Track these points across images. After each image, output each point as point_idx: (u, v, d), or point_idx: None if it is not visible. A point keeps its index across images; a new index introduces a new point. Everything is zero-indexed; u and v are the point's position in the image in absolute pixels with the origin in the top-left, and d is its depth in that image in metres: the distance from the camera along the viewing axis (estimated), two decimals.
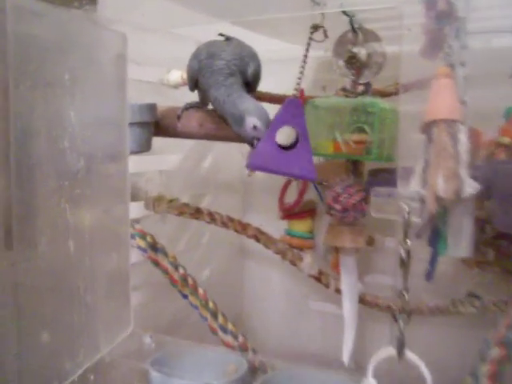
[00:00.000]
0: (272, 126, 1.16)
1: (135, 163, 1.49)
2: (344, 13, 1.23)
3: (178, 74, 1.58)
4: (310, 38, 1.20)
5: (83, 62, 0.99)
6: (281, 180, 1.72)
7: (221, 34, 1.29)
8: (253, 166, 1.17)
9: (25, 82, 0.86)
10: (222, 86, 1.20)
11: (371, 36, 1.35)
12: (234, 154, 1.88)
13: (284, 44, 1.70)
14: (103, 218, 1.08)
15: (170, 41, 1.60)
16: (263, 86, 1.41)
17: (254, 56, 1.27)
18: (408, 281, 0.98)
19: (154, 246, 1.32)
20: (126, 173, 1.11)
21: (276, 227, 1.68)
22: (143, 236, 1.32)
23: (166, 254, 1.32)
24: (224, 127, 1.26)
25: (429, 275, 1.15)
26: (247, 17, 1.27)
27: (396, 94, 1.57)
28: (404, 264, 0.99)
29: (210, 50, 1.25)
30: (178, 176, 1.72)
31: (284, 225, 1.65)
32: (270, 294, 2.04)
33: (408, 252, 0.96)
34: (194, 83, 1.28)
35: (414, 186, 1.06)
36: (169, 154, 1.70)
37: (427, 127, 1.04)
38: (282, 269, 1.84)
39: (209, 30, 1.33)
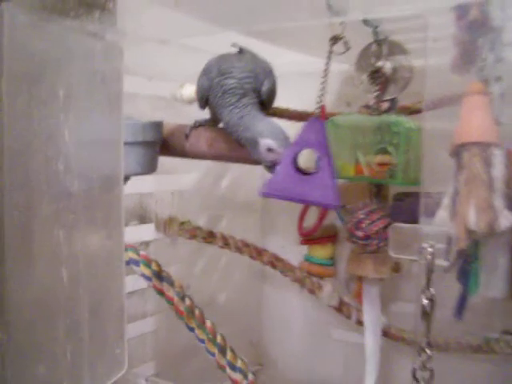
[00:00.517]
0: (291, 148, 1.06)
1: (146, 183, 1.42)
2: (365, 22, 1.12)
3: (192, 89, 1.50)
4: (331, 51, 1.09)
5: (78, 77, 0.92)
6: None
7: (234, 45, 1.20)
8: (266, 194, 1.07)
9: (20, 97, 0.80)
10: (234, 108, 1.12)
11: (397, 48, 1.25)
12: (253, 173, 1.79)
13: (303, 56, 1.60)
14: (97, 245, 1.00)
15: (183, 53, 1.51)
16: (281, 102, 1.32)
17: (269, 72, 1.17)
18: (431, 335, 0.85)
19: (159, 274, 1.22)
20: (120, 196, 1.03)
21: (298, 251, 1.59)
22: (148, 263, 1.22)
23: (171, 284, 1.22)
24: (236, 148, 1.16)
25: (457, 313, 1.03)
26: (262, 26, 1.17)
27: (424, 110, 1.46)
28: (426, 316, 0.86)
29: (221, 66, 1.15)
30: (192, 196, 1.63)
31: (306, 248, 1.55)
32: (289, 321, 1.94)
33: (431, 302, 0.84)
34: (205, 101, 1.18)
35: (440, 217, 0.94)
36: (182, 173, 1.61)
37: (457, 151, 0.93)
38: (302, 294, 1.73)
39: (223, 41, 1.23)
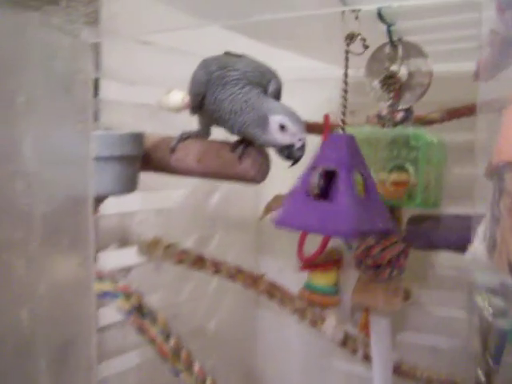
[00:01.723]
0: (308, 169, 0.92)
1: (127, 201, 1.25)
2: (380, 18, 0.96)
3: (180, 96, 1.34)
4: (347, 51, 0.94)
5: (39, 80, 0.76)
6: None
7: (227, 53, 1.04)
8: (279, 223, 0.91)
9: None
10: (237, 95, 0.97)
11: (414, 51, 1.10)
12: (246, 189, 1.63)
13: (308, 61, 1.45)
14: (64, 276, 0.85)
15: (170, 56, 1.36)
16: None
17: (274, 73, 1.03)
18: None
19: (140, 309, 1.06)
20: (89, 219, 0.88)
21: (297, 275, 1.44)
22: (127, 296, 1.06)
23: (154, 320, 1.06)
24: (229, 164, 1.00)
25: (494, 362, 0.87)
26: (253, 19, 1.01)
27: (440, 121, 1.31)
28: None
29: (220, 61, 1.01)
30: (179, 215, 1.47)
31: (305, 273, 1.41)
32: (287, 349, 1.79)
33: (489, 374, 0.67)
34: (200, 101, 1.02)
35: (476, 251, 0.79)
36: (169, 189, 1.44)
37: (497, 171, 0.77)
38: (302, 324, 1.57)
39: (215, 45, 1.07)
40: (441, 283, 1.46)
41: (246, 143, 1.00)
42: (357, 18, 0.89)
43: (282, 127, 0.93)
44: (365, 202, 0.88)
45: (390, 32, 1.05)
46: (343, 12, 0.90)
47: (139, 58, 1.28)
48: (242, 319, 1.76)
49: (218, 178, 1.05)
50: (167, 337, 1.06)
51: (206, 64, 1.02)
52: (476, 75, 1.10)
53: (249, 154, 0.99)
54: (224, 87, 0.98)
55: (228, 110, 0.98)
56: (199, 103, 1.02)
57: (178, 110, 1.37)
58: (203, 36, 1.26)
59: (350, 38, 0.92)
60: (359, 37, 0.91)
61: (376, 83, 1.11)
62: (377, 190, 0.88)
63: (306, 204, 0.87)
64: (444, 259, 1.45)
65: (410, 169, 1.01)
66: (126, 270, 1.29)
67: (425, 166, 1.00)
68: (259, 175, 0.99)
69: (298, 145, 0.93)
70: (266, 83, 1.00)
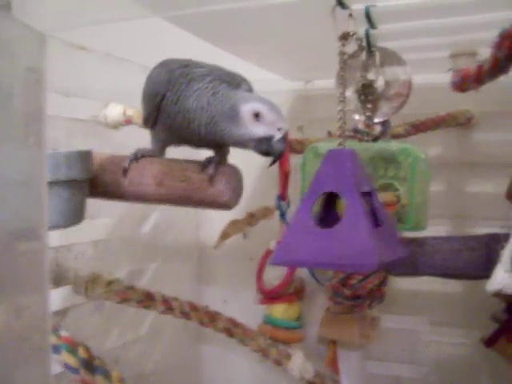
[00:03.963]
0: (308, 194, 0.78)
1: (61, 233, 1.07)
2: (368, 19, 0.85)
3: (120, 110, 1.18)
4: (343, 53, 0.81)
5: None
6: (251, 243, 1.32)
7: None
8: (278, 261, 0.77)
9: None
10: (204, 90, 0.83)
11: (391, 58, 1.00)
12: (186, 210, 1.48)
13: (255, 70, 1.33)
14: (12, 319, 0.68)
15: (108, 64, 1.19)
16: None
17: (244, 77, 0.90)
18: None
19: (89, 363, 0.88)
20: (44, 255, 0.72)
21: (242, 305, 1.42)
22: (73, 349, 0.88)
23: (107, 376, 0.88)
24: (197, 187, 0.85)
25: None
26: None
27: (405, 136, 1.22)
28: None
29: (182, 60, 0.87)
30: (112, 246, 1.28)
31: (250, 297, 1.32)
32: None
33: None
34: (157, 106, 0.86)
35: (501, 278, 0.68)
36: (104, 217, 1.25)
37: None
38: (250, 354, 1.40)
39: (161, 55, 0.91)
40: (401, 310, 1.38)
41: (217, 161, 0.85)
42: (350, 15, 0.78)
43: (257, 115, 0.79)
44: (380, 227, 0.76)
45: (368, 36, 0.94)
46: (334, 8, 0.78)
47: (74, 66, 1.10)
48: (184, 357, 1.59)
49: (181, 204, 0.89)
50: None
51: (165, 63, 0.88)
52: (457, 85, 1.02)
53: (222, 173, 0.84)
54: (189, 84, 0.84)
55: (193, 108, 0.83)
56: (156, 110, 0.87)
57: (114, 126, 1.21)
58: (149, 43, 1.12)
59: (345, 37, 0.80)
60: (354, 36, 0.80)
61: (350, 94, 1.00)
62: (386, 212, 0.77)
63: (314, 235, 0.72)
64: (402, 283, 1.37)
65: (400, 188, 0.91)
66: (62, 314, 1.10)
67: (417, 184, 0.90)
68: (233, 199, 0.85)
69: (277, 136, 0.79)
70: (237, 85, 0.86)
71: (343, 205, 0.80)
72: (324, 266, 0.84)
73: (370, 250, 0.69)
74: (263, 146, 0.79)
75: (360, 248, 0.69)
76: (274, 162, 0.81)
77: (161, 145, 0.92)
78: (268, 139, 0.79)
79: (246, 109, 0.79)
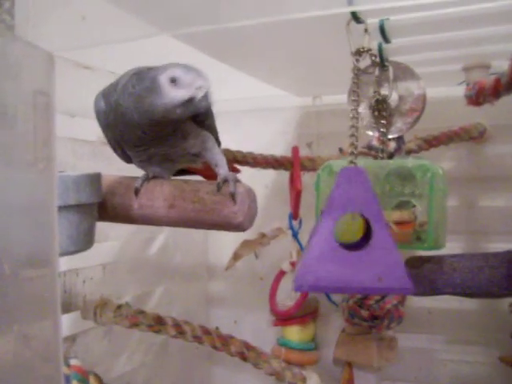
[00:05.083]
0: (328, 213, 0.74)
1: (65, 258, 1.04)
2: (382, 33, 0.82)
3: None
4: (357, 69, 0.79)
5: None
6: (261, 262, 1.30)
7: None
8: (300, 288, 0.74)
9: None
10: (128, 81, 0.83)
11: (404, 72, 0.97)
12: (194, 231, 1.45)
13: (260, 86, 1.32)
14: (23, 346, 0.67)
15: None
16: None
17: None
18: None
19: None
20: (55, 281, 0.69)
21: (253, 325, 1.42)
22: (83, 377, 0.84)
23: None
24: (210, 209, 0.82)
25: None
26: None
27: (418, 151, 1.20)
28: None
29: (109, 86, 0.88)
30: (121, 269, 1.25)
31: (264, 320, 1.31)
32: None
33: None
34: (106, 126, 0.88)
35: None
36: (112, 240, 1.23)
37: None
38: (264, 377, 1.36)
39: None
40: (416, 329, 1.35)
41: (234, 179, 0.83)
42: (366, 30, 0.76)
43: (173, 81, 0.78)
44: None
45: (381, 51, 0.91)
46: (349, 22, 0.76)
47: (79, 86, 1.08)
48: (194, 377, 1.55)
49: (193, 227, 0.86)
50: None
51: (97, 96, 0.88)
52: (472, 99, 0.99)
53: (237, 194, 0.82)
54: (118, 92, 0.83)
55: (129, 103, 0.81)
56: (106, 129, 0.88)
57: None
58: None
59: (359, 53, 0.78)
60: (369, 52, 0.77)
61: (363, 109, 0.98)
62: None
63: (340, 257, 0.69)
64: (417, 301, 1.34)
65: (418, 206, 0.88)
66: (71, 340, 1.07)
67: (435, 201, 0.87)
68: (247, 221, 0.82)
69: (199, 95, 0.77)
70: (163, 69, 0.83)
71: (359, 225, 0.78)
72: (356, 291, 0.81)
73: (406, 273, 0.66)
74: (189, 109, 0.78)
75: (397, 271, 0.66)
76: (203, 123, 0.85)
77: (153, 169, 0.90)
78: (191, 101, 0.78)
79: (163, 76, 0.78)
